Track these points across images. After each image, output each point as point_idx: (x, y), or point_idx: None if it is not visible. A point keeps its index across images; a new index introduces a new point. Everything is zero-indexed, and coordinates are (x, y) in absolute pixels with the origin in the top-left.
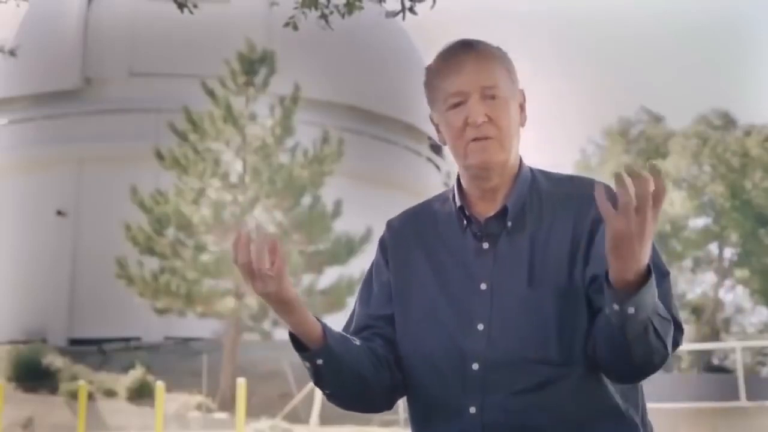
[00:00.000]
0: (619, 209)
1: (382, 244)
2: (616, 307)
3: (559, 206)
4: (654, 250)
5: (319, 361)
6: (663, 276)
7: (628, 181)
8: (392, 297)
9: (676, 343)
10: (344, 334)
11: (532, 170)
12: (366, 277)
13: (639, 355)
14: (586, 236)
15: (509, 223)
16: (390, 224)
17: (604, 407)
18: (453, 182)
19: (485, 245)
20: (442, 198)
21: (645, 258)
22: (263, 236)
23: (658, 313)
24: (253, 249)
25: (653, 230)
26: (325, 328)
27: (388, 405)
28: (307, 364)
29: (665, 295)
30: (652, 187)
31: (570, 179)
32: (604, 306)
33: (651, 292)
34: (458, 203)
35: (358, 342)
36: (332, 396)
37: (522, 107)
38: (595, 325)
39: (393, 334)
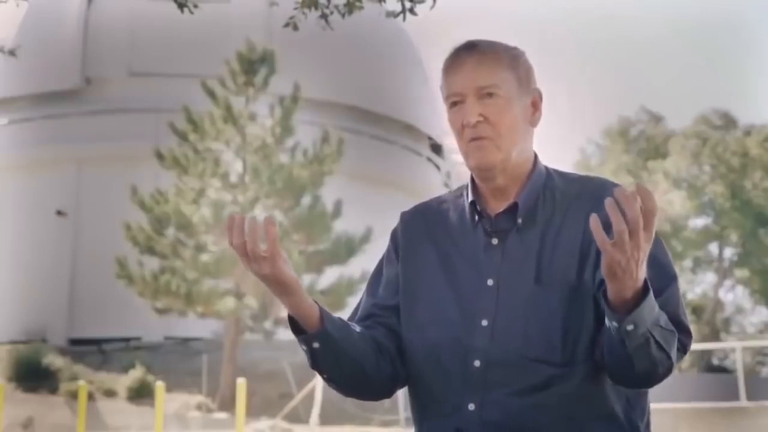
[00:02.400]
0: (615, 238)
1: (394, 236)
2: (615, 324)
3: (572, 206)
4: (663, 252)
5: (316, 345)
6: (671, 280)
7: (619, 203)
8: (399, 288)
9: (685, 348)
10: (344, 320)
11: (547, 169)
12: (376, 267)
13: (641, 366)
14: None
15: (519, 220)
16: (403, 216)
17: (604, 413)
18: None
19: (494, 241)
20: (456, 193)
21: (642, 276)
22: (254, 219)
23: (659, 324)
24: (247, 231)
25: (647, 250)
26: (323, 311)
27: (386, 393)
28: (304, 347)
29: (672, 299)
30: (640, 208)
31: (584, 179)
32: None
33: (649, 308)
34: (471, 198)
35: (358, 329)
36: (329, 381)
37: (536, 106)
38: (602, 332)
39: (397, 324)
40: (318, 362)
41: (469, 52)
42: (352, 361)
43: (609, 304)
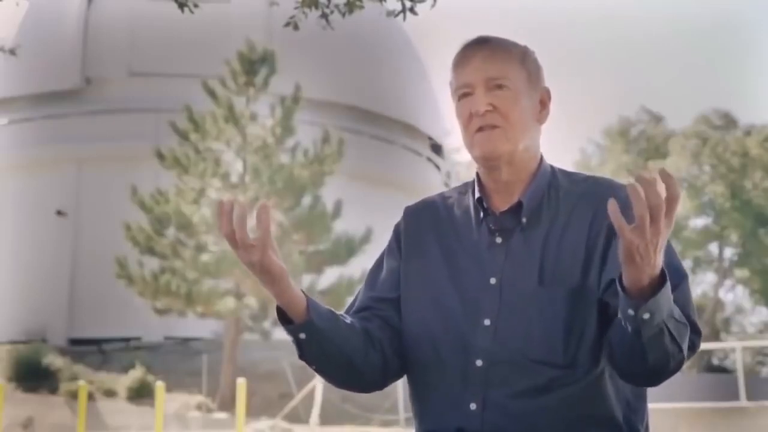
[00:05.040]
0: (636, 223)
1: (397, 230)
2: (630, 312)
3: (577, 205)
4: (672, 252)
5: (302, 335)
6: (681, 279)
7: (641, 190)
8: (400, 282)
9: (694, 347)
10: (333, 311)
11: (553, 168)
12: (377, 260)
13: (654, 359)
14: (604, 238)
15: (524, 219)
16: (407, 211)
17: (605, 416)
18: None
19: (498, 239)
20: (461, 189)
21: (659, 264)
22: (243, 205)
23: (673, 316)
24: (235, 219)
25: (667, 236)
26: (310, 302)
27: (378, 386)
28: (291, 338)
29: (683, 297)
30: (664, 195)
31: (590, 180)
32: (619, 310)
33: (666, 297)
34: (477, 195)
35: (348, 320)
36: (319, 372)
37: (544, 104)
38: (611, 328)
39: (393, 317)
40: (305, 353)
41: (479, 45)
42: (338, 353)
43: (625, 291)
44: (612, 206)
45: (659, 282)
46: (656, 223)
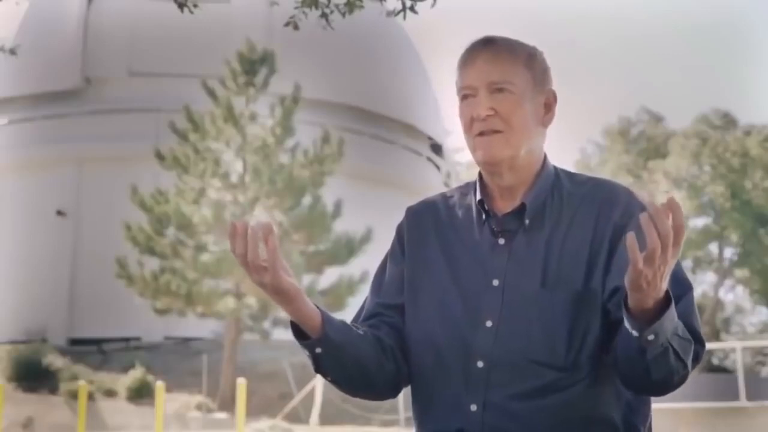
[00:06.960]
0: (647, 253)
1: (400, 231)
2: (635, 334)
3: (580, 208)
4: (677, 264)
5: (318, 350)
6: (686, 290)
7: (654, 220)
8: (404, 285)
9: (698, 358)
10: (346, 322)
11: (556, 170)
12: (381, 264)
13: (658, 375)
14: (608, 242)
15: (527, 221)
16: (409, 212)
17: (605, 418)
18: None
19: (501, 241)
20: (463, 190)
21: (664, 288)
22: (256, 227)
23: (677, 334)
24: (248, 240)
25: (673, 264)
26: (324, 316)
27: (392, 393)
28: (307, 353)
29: (687, 308)
30: (671, 224)
31: (593, 182)
32: (623, 322)
33: (670, 318)
34: (478, 197)
35: (361, 330)
36: (335, 383)
37: (548, 107)
38: (616, 338)
39: (401, 323)
40: (321, 367)
41: (484, 46)
42: (354, 363)
43: (630, 313)
44: (630, 240)
45: (664, 303)
46: (664, 253)
